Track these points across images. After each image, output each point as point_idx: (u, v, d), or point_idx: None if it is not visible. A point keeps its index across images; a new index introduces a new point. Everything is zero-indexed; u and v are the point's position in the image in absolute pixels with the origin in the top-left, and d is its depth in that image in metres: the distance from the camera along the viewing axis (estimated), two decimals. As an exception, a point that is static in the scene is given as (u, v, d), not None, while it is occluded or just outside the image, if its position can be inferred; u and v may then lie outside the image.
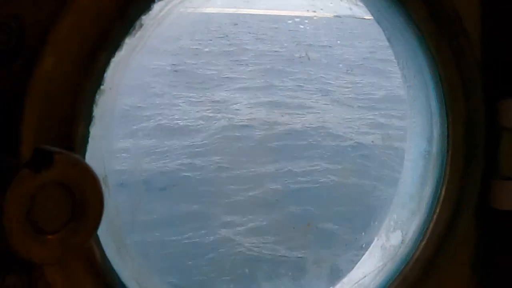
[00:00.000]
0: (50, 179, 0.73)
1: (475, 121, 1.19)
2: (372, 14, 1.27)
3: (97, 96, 0.92)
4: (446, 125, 1.19)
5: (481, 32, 1.24)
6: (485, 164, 1.23)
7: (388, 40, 1.31)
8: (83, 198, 0.75)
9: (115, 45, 0.92)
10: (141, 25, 0.94)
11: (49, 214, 0.74)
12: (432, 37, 1.15)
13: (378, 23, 1.29)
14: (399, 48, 1.28)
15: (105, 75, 0.92)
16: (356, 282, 1.23)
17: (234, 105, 11.52)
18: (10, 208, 0.71)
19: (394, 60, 1.33)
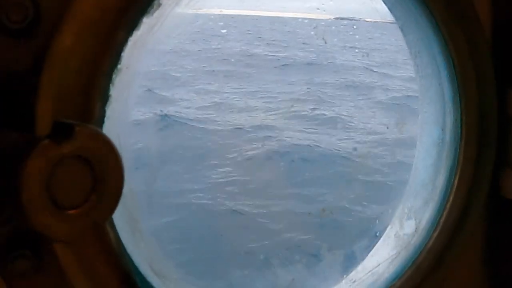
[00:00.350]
0: (70, 152, 0.71)
1: (488, 108, 1.19)
2: (386, 3, 1.27)
3: (114, 75, 0.91)
4: (459, 112, 1.18)
5: (492, 21, 1.24)
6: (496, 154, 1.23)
7: (401, 29, 1.31)
8: (103, 172, 0.73)
9: (133, 24, 0.91)
10: (159, 4, 0.93)
11: (69, 189, 0.72)
12: (446, 24, 1.15)
13: (391, 11, 1.28)
14: (412, 36, 1.28)
15: (122, 54, 0.91)
16: (370, 271, 1.21)
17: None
18: (29, 181, 0.69)
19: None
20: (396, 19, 1.30)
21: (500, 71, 1.23)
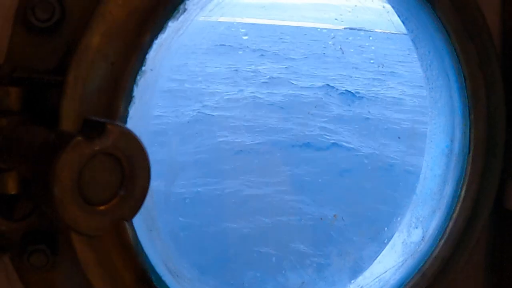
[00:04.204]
0: (101, 149, 0.72)
1: (496, 120, 1.21)
2: (400, 16, 1.30)
3: (138, 77, 0.93)
4: (468, 125, 1.21)
5: (501, 33, 1.27)
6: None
7: (413, 41, 1.34)
8: (131, 170, 0.75)
9: (159, 28, 0.93)
10: (184, 9, 0.96)
11: (98, 184, 0.74)
12: (459, 39, 1.18)
13: (404, 24, 1.31)
14: (424, 49, 1.30)
15: (147, 56, 0.93)
16: (377, 277, 1.24)
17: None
18: (61, 175, 0.70)
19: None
20: (408, 32, 1.33)
21: (508, 83, 1.26)
